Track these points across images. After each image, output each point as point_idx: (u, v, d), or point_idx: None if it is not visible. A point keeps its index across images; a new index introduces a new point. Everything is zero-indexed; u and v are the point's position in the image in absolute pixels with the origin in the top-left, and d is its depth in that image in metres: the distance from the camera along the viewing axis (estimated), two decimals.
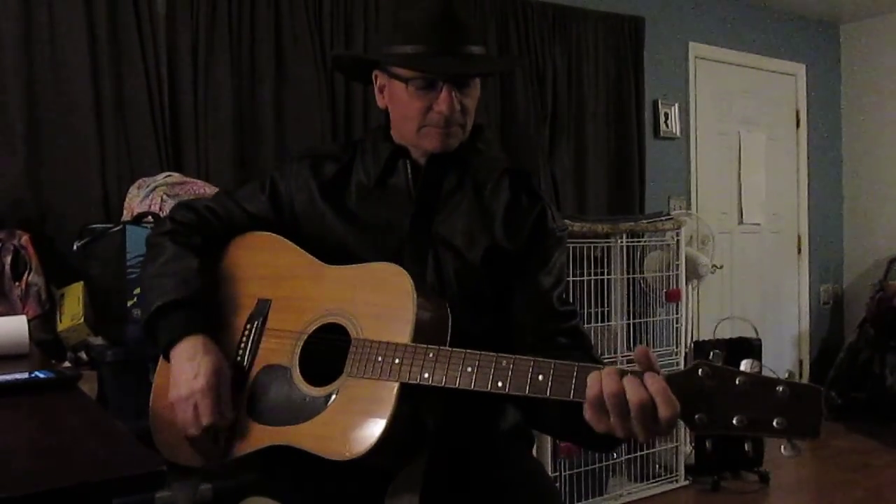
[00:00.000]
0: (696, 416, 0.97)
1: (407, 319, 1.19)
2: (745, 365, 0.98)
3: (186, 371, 1.25)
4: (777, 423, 0.94)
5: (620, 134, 4.25)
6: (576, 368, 1.06)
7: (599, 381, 1.01)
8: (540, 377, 1.07)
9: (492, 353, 1.11)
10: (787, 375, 0.97)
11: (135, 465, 0.91)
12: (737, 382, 0.96)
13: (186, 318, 1.30)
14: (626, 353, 3.62)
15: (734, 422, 0.95)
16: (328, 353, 1.25)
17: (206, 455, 1.28)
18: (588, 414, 1.03)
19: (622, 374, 1.01)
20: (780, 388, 0.94)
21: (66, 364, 2.30)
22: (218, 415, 1.24)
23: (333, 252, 1.35)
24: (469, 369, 1.12)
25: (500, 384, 1.09)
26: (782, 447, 0.96)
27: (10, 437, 1.04)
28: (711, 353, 1.00)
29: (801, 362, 5.34)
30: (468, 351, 1.13)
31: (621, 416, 1.00)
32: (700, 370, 0.98)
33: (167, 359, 1.30)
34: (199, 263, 1.37)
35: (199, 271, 1.36)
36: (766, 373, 0.98)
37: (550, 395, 1.06)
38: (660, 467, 3.73)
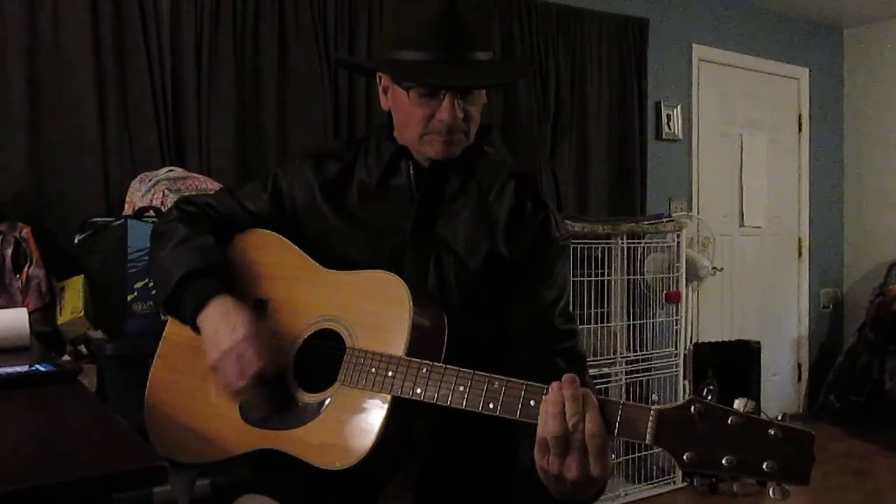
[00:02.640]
0: (686, 455, 0.96)
1: (402, 331, 1.18)
2: (738, 404, 0.98)
3: (223, 327, 1.24)
4: (767, 467, 0.93)
5: (622, 135, 4.24)
6: None
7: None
8: (531, 403, 1.06)
9: (485, 374, 1.10)
10: (780, 417, 0.96)
11: (135, 460, 0.91)
12: (729, 422, 0.96)
13: (212, 282, 1.30)
14: (625, 355, 3.63)
15: (723, 462, 0.95)
16: (323, 359, 1.25)
17: (262, 405, 1.25)
18: (535, 451, 1.05)
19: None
20: (773, 431, 0.94)
21: (66, 357, 2.30)
22: (264, 360, 1.22)
23: (334, 252, 1.34)
24: (461, 388, 1.11)
25: (491, 406, 1.09)
26: (771, 490, 0.95)
27: (10, 431, 1.03)
28: (706, 389, 1.00)
29: (800, 366, 5.35)
30: (461, 369, 1.12)
31: (559, 450, 1.02)
32: (693, 407, 0.97)
33: (195, 327, 1.29)
34: (213, 240, 1.36)
35: (215, 247, 1.35)
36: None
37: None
38: (657, 469, 3.72)
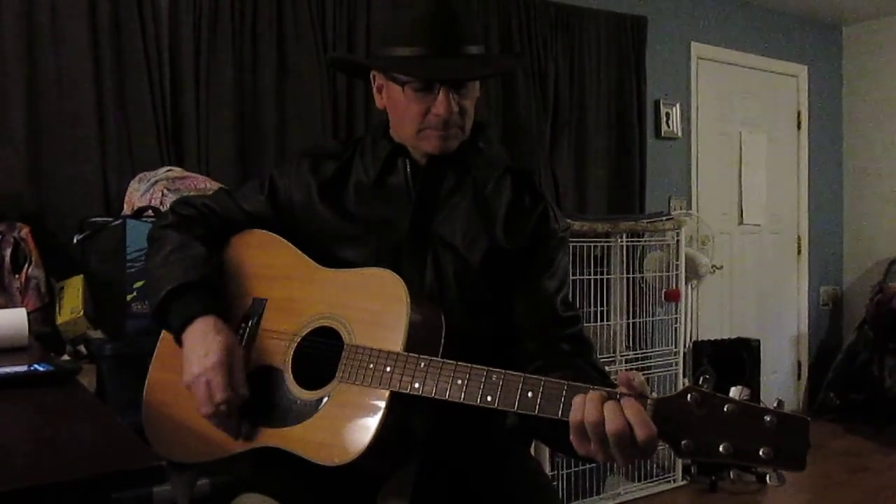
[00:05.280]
0: (683, 443, 0.97)
1: (399, 327, 1.19)
2: (734, 392, 0.99)
3: (198, 350, 1.25)
4: (763, 453, 0.94)
5: (621, 133, 4.24)
6: (565, 387, 1.05)
7: (582, 408, 1.02)
8: (529, 394, 1.07)
9: (482, 367, 1.11)
10: (776, 404, 0.97)
11: (133, 459, 0.91)
12: (725, 410, 0.96)
13: (198, 299, 1.30)
14: (624, 353, 3.63)
15: (720, 449, 0.95)
16: (321, 356, 1.25)
17: (228, 431, 1.26)
18: (571, 437, 1.04)
19: (604, 399, 1.01)
20: (768, 418, 0.94)
21: (65, 357, 2.30)
22: (230, 391, 1.23)
23: (332, 251, 1.35)
24: (459, 382, 1.11)
25: (489, 398, 1.09)
26: (768, 476, 0.97)
27: (9, 431, 1.03)
28: (701, 378, 1.00)
29: (799, 363, 5.35)
30: (459, 363, 1.13)
31: (601, 443, 1.01)
32: (689, 395, 0.98)
33: (179, 342, 1.29)
34: (205, 251, 1.37)
35: (206, 258, 1.35)
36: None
37: (539, 413, 1.06)
38: (658, 467, 3.73)
